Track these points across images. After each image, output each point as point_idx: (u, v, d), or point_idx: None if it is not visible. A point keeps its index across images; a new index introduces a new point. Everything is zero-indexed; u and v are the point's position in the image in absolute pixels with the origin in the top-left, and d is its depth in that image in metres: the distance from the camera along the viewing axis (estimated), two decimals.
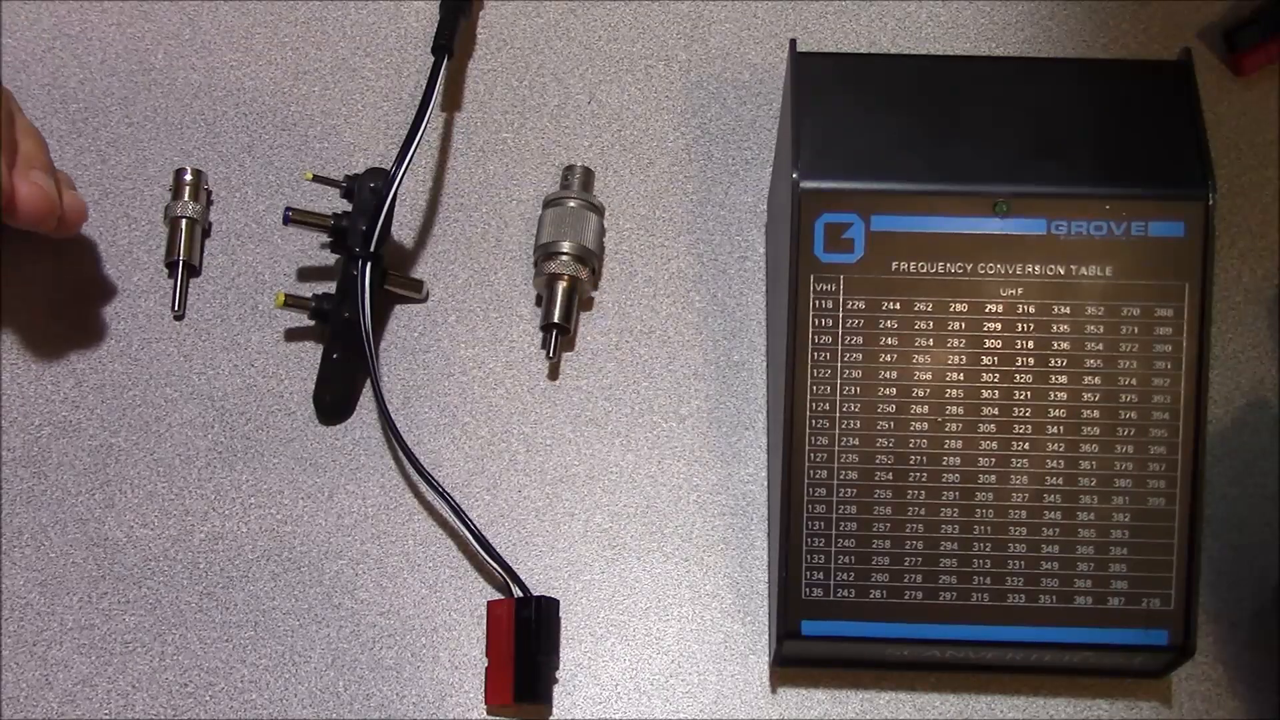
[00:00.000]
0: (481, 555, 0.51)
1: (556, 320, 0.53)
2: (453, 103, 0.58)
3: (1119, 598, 0.46)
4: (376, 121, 0.58)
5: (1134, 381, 0.46)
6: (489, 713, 0.50)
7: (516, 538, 0.52)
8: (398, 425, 0.52)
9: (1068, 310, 0.46)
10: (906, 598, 0.46)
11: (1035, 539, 0.46)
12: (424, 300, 0.55)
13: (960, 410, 0.46)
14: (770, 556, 0.51)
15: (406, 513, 0.52)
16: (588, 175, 0.56)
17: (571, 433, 0.53)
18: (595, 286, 0.55)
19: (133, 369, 0.54)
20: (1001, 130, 0.46)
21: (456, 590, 0.51)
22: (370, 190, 0.53)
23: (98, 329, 0.55)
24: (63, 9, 0.59)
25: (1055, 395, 0.46)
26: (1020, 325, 0.46)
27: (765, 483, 0.52)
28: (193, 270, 0.55)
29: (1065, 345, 0.46)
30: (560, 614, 0.51)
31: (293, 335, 0.55)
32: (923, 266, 0.46)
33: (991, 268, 0.46)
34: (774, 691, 0.50)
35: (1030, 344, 0.46)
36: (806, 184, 0.46)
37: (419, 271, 0.56)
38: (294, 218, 0.53)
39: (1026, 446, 0.46)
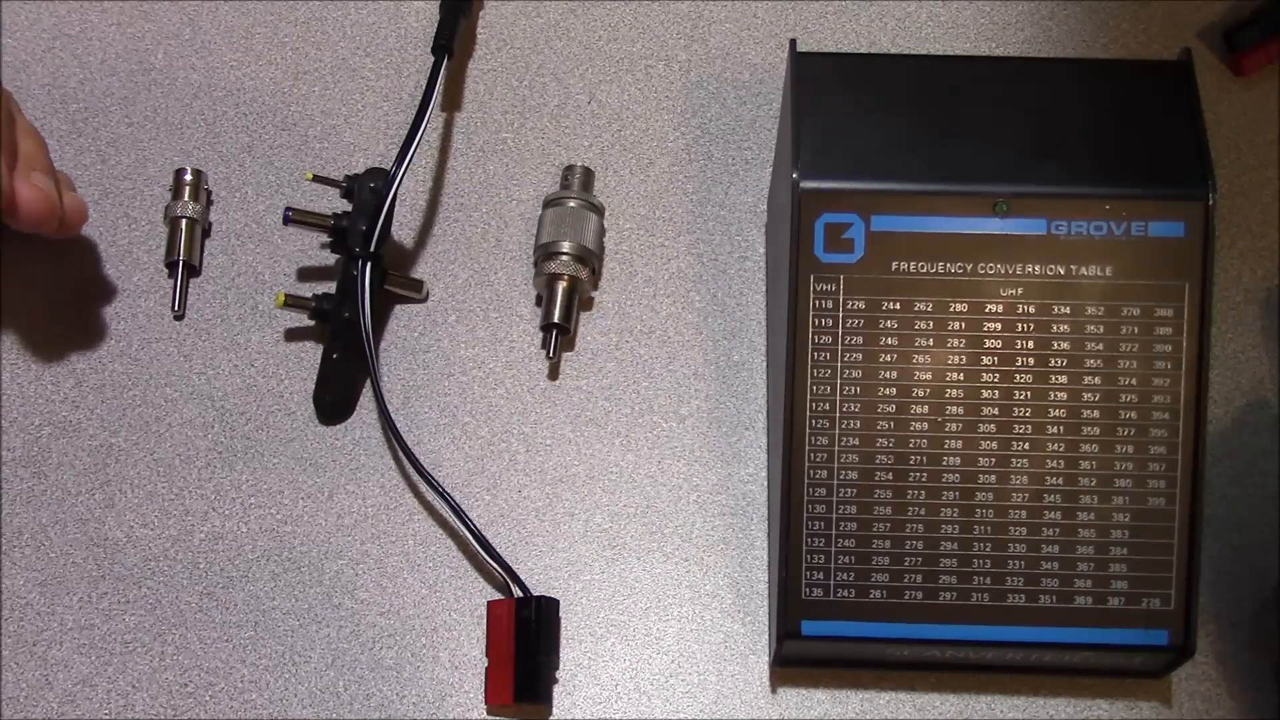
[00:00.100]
0: (481, 555, 0.51)
1: (556, 320, 0.53)
2: (453, 103, 0.58)
3: (1119, 598, 0.46)
4: (376, 121, 0.58)
5: (1134, 381, 0.46)
6: (489, 713, 0.50)
7: (516, 538, 0.52)
8: (398, 425, 0.52)
9: (1068, 310, 0.46)
10: (906, 598, 0.46)
11: (1035, 539, 0.46)
12: (424, 300, 0.55)
13: (960, 410, 0.46)
14: (770, 556, 0.51)
15: (406, 513, 0.52)
16: (588, 175, 0.56)
17: (571, 433, 0.53)
18: (595, 286, 0.55)
19: (133, 369, 0.54)
20: (1001, 130, 0.46)
21: (456, 590, 0.51)
22: (370, 190, 0.53)
23: (98, 329, 0.55)
24: (63, 9, 0.59)
25: (1055, 395, 0.46)
26: (1020, 325, 0.46)
27: (765, 483, 0.52)
28: (193, 270, 0.55)
29: (1065, 345, 0.46)
30: (560, 614, 0.51)
31: (293, 335, 0.55)
32: (923, 266, 0.46)
33: (991, 268, 0.46)
34: (774, 691, 0.50)
35: (1030, 344, 0.46)
36: (806, 184, 0.46)
37: (419, 271, 0.56)
38: (294, 218, 0.53)
39: (1026, 446, 0.46)
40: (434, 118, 0.57)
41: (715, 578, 0.51)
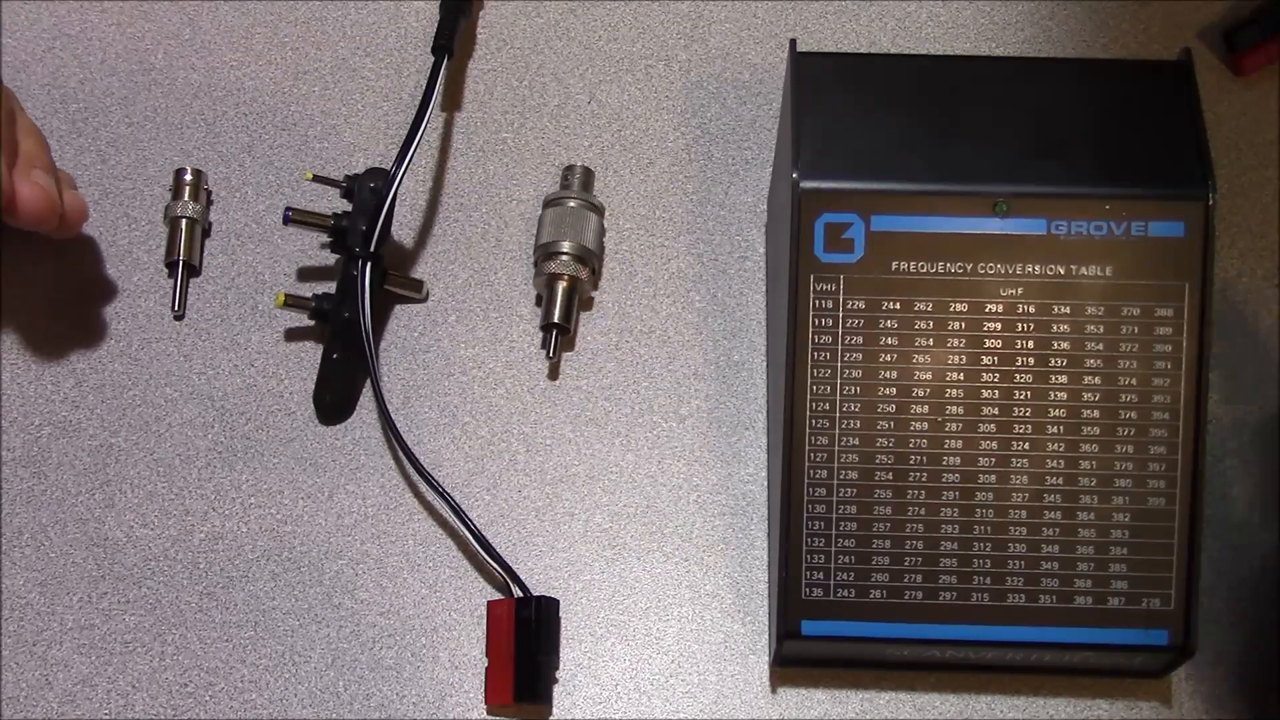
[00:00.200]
0: (481, 555, 0.51)
1: (556, 320, 0.53)
2: (453, 103, 0.58)
3: (1119, 598, 0.46)
4: (376, 121, 0.58)
5: (1134, 381, 0.46)
6: (489, 713, 0.50)
7: (516, 538, 0.52)
8: (398, 425, 0.52)
9: (1068, 310, 0.46)
10: (906, 598, 0.46)
11: (1035, 539, 0.46)
12: (424, 300, 0.55)
13: (960, 410, 0.46)
14: (770, 556, 0.51)
15: (406, 513, 0.52)
16: (588, 175, 0.56)
17: (571, 433, 0.53)
18: (595, 286, 0.55)
19: (133, 369, 0.54)
20: (1001, 130, 0.46)
21: (456, 590, 0.51)
22: (370, 190, 0.53)
23: (98, 329, 0.55)
24: (63, 9, 0.59)
25: (1055, 395, 0.46)
26: (1020, 325, 0.46)
27: (765, 483, 0.52)
28: (193, 270, 0.55)
29: (1065, 345, 0.46)
30: (560, 614, 0.51)
31: (293, 335, 0.55)
32: (923, 266, 0.46)
33: (991, 268, 0.46)
34: (774, 691, 0.50)
35: (1030, 344, 0.46)
36: (806, 184, 0.46)
37: (419, 271, 0.56)
38: (294, 218, 0.53)
39: (1026, 446, 0.46)
40: (434, 118, 0.57)
41: (715, 578, 0.51)
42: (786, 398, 0.46)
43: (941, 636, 0.46)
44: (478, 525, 0.50)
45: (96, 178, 0.57)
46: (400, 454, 0.52)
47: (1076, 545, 0.46)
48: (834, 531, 0.46)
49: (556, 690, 0.50)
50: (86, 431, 0.53)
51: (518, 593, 0.50)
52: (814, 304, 0.46)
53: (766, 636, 0.50)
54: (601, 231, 0.55)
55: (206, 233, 0.56)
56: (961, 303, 0.46)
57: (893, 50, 0.58)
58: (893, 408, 0.46)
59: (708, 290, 0.55)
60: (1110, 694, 0.50)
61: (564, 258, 0.53)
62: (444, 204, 0.57)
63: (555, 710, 0.50)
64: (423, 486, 0.52)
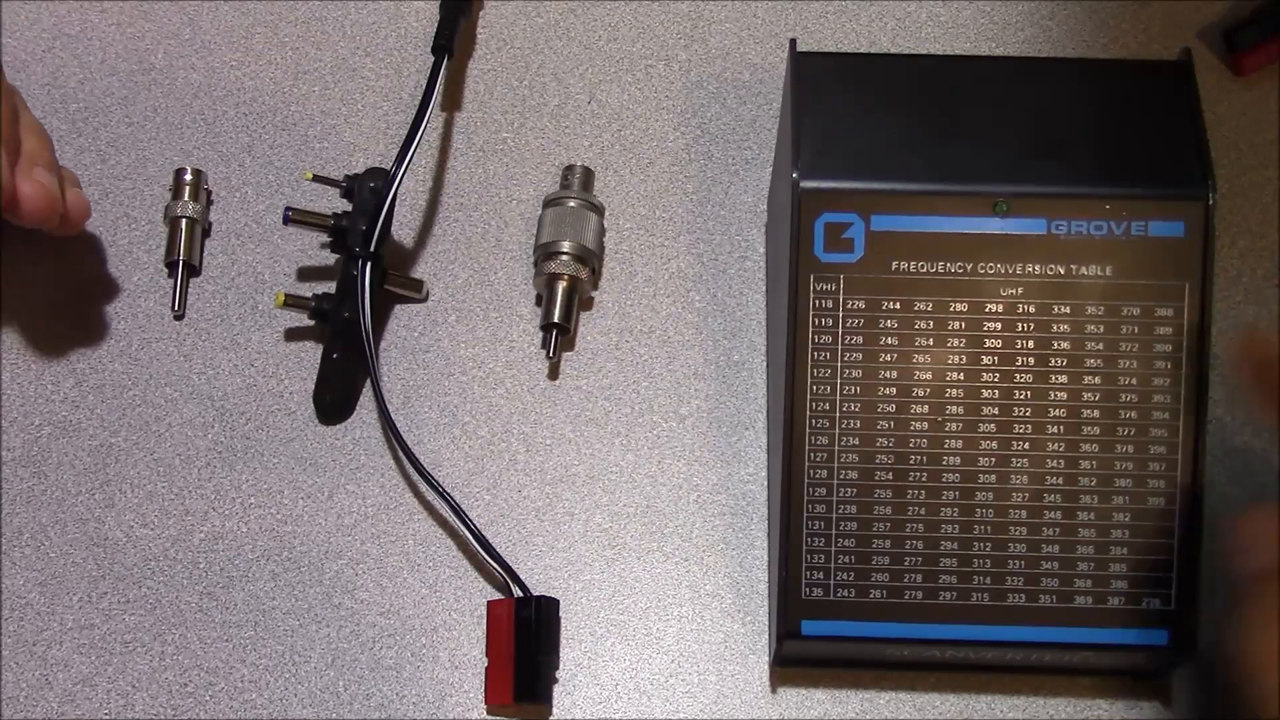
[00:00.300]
0: (481, 555, 0.51)
1: (556, 320, 0.53)
2: (453, 103, 0.58)
3: (1119, 598, 0.46)
4: (376, 121, 0.58)
5: (1134, 381, 0.46)
6: (489, 713, 0.50)
7: (516, 538, 0.52)
8: (398, 425, 0.52)
9: (1068, 310, 0.46)
10: (906, 598, 0.46)
11: (1035, 539, 0.46)
12: (424, 300, 0.55)
13: (960, 410, 0.46)
14: (770, 556, 0.51)
15: (406, 513, 0.52)
16: (588, 175, 0.56)
17: (571, 433, 0.53)
18: (595, 286, 0.55)
19: (133, 369, 0.54)
20: (1001, 130, 0.46)
21: (456, 590, 0.51)
22: (370, 190, 0.53)
23: (98, 329, 0.55)
24: (63, 9, 0.59)
25: (1055, 395, 0.46)
26: (1020, 325, 0.46)
27: (765, 483, 0.52)
28: (193, 270, 0.55)
29: (1065, 345, 0.46)
30: (560, 614, 0.51)
31: (293, 335, 0.55)
32: (923, 266, 0.46)
33: (991, 268, 0.46)
34: (774, 691, 0.50)
35: (1030, 344, 0.46)
36: (806, 184, 0.46)
37: (419, 271, 0.56)
38: (294, 218, 0.53)
39: (1026, 446, 0.46)
40: (434, 118, 0.57)
41: (715, 578, 0.51)
42: (786, 398, 0.46)
43: (941, 636, 0.46)
44: (478, 525, 0.50)
45: (96, 177, 0.57)
46: (400, 454, 0.52)
47: (1076, 545, 0.46)
48: (834, 531, 0.46)
49: (556, 690, 0.50)
50: (86, 431, 0.53)
51: (518, 593, 0.50)
52: (814, 304, 0.46)
53: (766, 636, 0.50)
54: (601, 231, 0.55)
55: (206, 233, 0.56)
56: (961, 303, 0.46)
57: (893, 50, 0.58)
58: (893, 408, 0.46)
59: (708, 290, 0.55)
60: (1110, 694, 0.50)
61: (564, 258, 0.53)
62: (444, 204, 0.57)
63: (555, 710, 0.50)
64: (423, 486, 0.52)
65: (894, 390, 0.46)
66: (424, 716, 0.50)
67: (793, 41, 0.48)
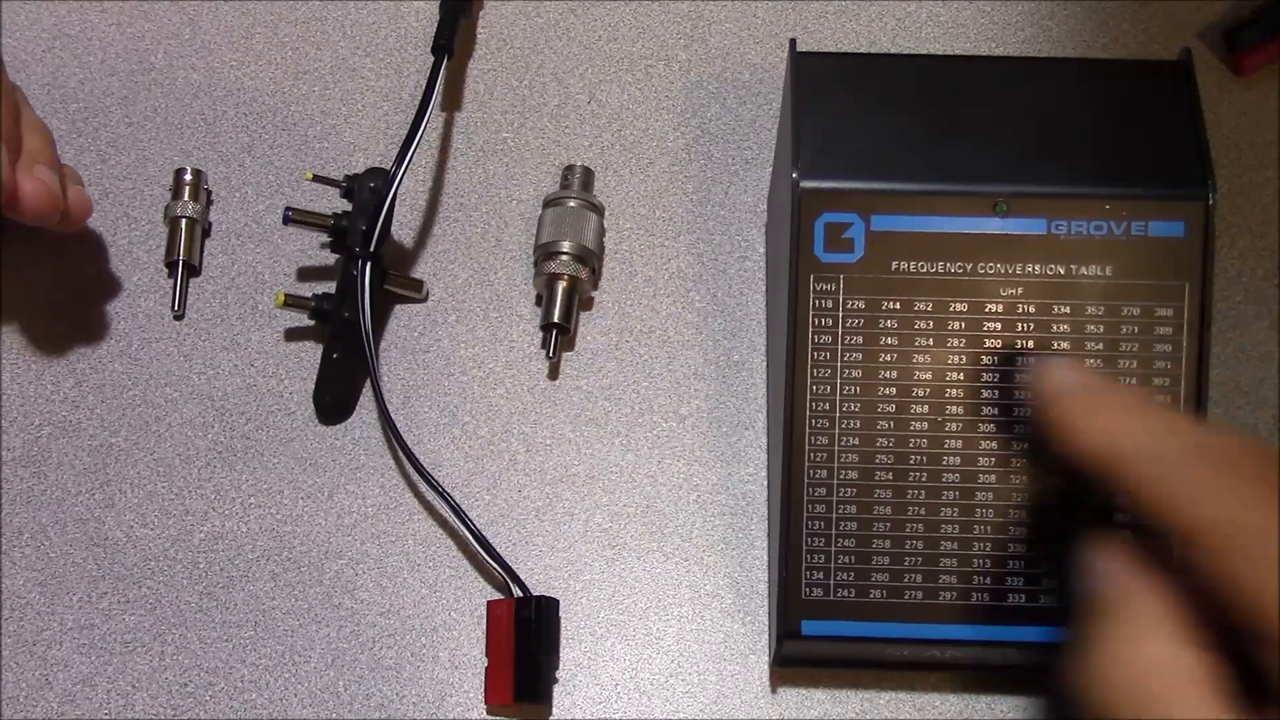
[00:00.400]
0: (481, 555, 0.51)
1: (556, 320, 0.53)
2: (453, 103, 0.58)
3: None
4: (376, 121, 0.58)
5: (1134, 381, 0.46)
6: (489, 713, 0.50)
7: (516, 538, 0.52)
8: (398, 425, 0.52)
9: (1068, 310, 0.46)
10: (906, 598, 0.46)
11: (1035, 539, 0.46)
12: (424, 300, 0.55)
13: (960, 410, 0.46)
14: (770, 556, 0.51)
15: (406, 513, 0.52)
16: (588, 175, 0.56)
17: (571, 433, 0.53)
18: (595, 286, 0.55)
19: (133, 369, 0.54)
20: (1001, 130, 0.46)
21: (456, 590, 0.51)
22: (370, 190, 0.53)
23: (98, 329, 0.55)
24: (63, 9, 0.59)
25: None
26: (1020, 325, 0.46)
27: (765, 483, 0.52)
28: (193, 270, 0.55)
29: (1065, 345, 0.46)
30: (560, 614, 0.51)
31: (293, 335, 0.55)
32: (923, 266, 0.46)
33: (991, 267, 0.46)
34: (774, 691, 0.50)
35: (1030, 344, 0.46)
36: (806, 184, 0.46)
37: (419, 271, 0.56)
38: (294, 218, 0.53)
39: (1027, 446, 0.46)
40: (434, 118, 0.57)
41: (715, 578, 0.51)
42: (786, 398, 0.46)
43: (941, 636, 0.46)
44: (478, 525, 0.50)
45: (96, 177, 0.57)
46: (400, 454, 0.52)
47: None
48: (834, 531, 0.46)
49: (556, 690, 0.50)
50: (86, 431, 0.53)
51: (518, 593, 0.50)
52: (814, 304, 0.46)
53: (766, 636, 0.50)
54: (601, 231, 0.55)
55: (206, 233, 0.56)
56: (961, 302, 0.46)
57: (893, 50, 0.58)
58: (893, 408, 0.46)
59: (708, 290, 0.55)
60: None
61: (564, 258, 0.53)
62: (444, 204, 0.57)
63: (555, 710, 0.50)
64: (423, 486, 0.52)
65: (894, 390, 0.46)
66: (424, 716, 0.50)
67: (793, 41, 0.48)
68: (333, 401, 0.53)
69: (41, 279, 0.55)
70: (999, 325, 0.46)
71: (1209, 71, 0.58)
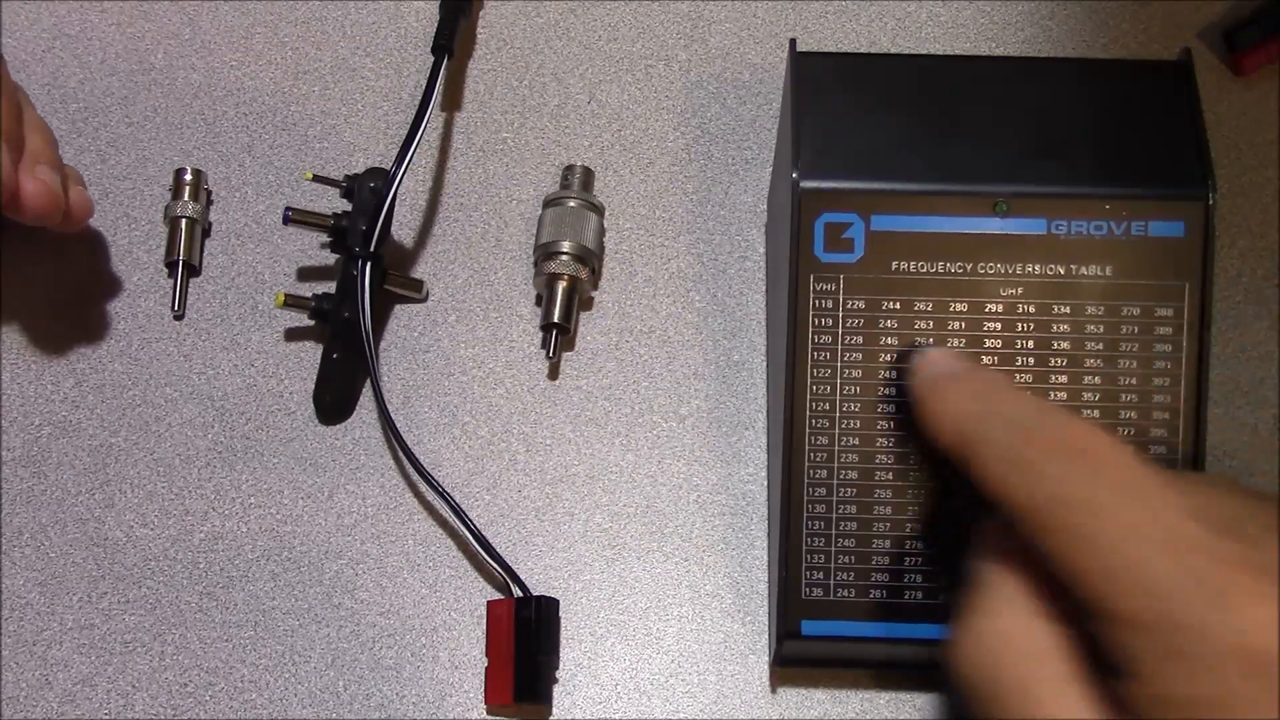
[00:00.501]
0: (481, 555, 0.51)
1: (556, 320, 0.53)
2: (453, 103, 0.58)
3: None
4: (376, 121, 0.58)
5: (1134, 381, 0.46)
6: (489, 713, 0.50)
7: (516, 538, 0.52)
8: (398, 425, 0.52)
9: (1068, 310, 0.46)
10: (906, 598, 0.46)
11: None
12: (424, 300, 0.55)
13: None
14: (770, 556, 0.51)
15: (406, 513, 0.52)
16: (588, 175, 0.56)
17: (571, 433, 0.53)
18: (595, 286, 0.55)
19: (133, 369, 0.54)
20: (1001, 130, 0.46)
21: (456, 590, 0.51)
22: (370, 190, 0.53)
23: (98, 329, 0.55)
24: (63, 9, 0.59)
25: (1055, 395, 0.46)
26: (1020, 325, 0.46)
27: (765, 483, 0.52)
28: (193, 270, 0.55)
29: (1065, 345, 0.46)
30: (560, 614, 0.51)
31: (293, 335, 0.55)
32: (923, 266, 0.46)
33: (991, 267, 0.46)
34: (774, 691, 0.50)
35: (1030, 344, 0.46)
36: (806, 184, 0.46)
37: (419, 271, 0.56)
38: (294, 218, 0.53)
39: None
40: (434, 118, 0.57)
41: (715, 578, 0.51)
42: (786, 398, 0.46)
43: (941, 637, 0.46)
44: (478, 525, 0.50)
45: (96, 178, 0.57)
46: (400, 454, 0.52)
47: None
48: (834, 531, 0.46)
49: (556, 690, 0.50)
50: (86, 431, 0.53)
51: (518, 593, 0.50)
52: (814, 304, 0.46)
53: (766, 636, 0.50)
54: (601, 231, 0.55)
55: (206, 233, 0.56)
56: (961, 302, 0.46)
57: (893, 50, 0.58)
58: (893, 408, 0.46)
59: (708, 290, 0.55)
60: None
61: (564, 258, 0.53)
62: (444, 204, 0.57)
63: (555, 710, 0.50)
64: (423, 486, 0.52)
65: (894, 390, 0.46)
66: (424, 716, 0.50)
67: (793, 41, 0.48)
68: (333, 401, 0.53)
69: (41, 279, 0.55)
70: (999, 325, 0.46)
71: (1209, 71, 0.58)
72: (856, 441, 0.46)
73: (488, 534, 0.51)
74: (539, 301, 0.55)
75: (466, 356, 0.54)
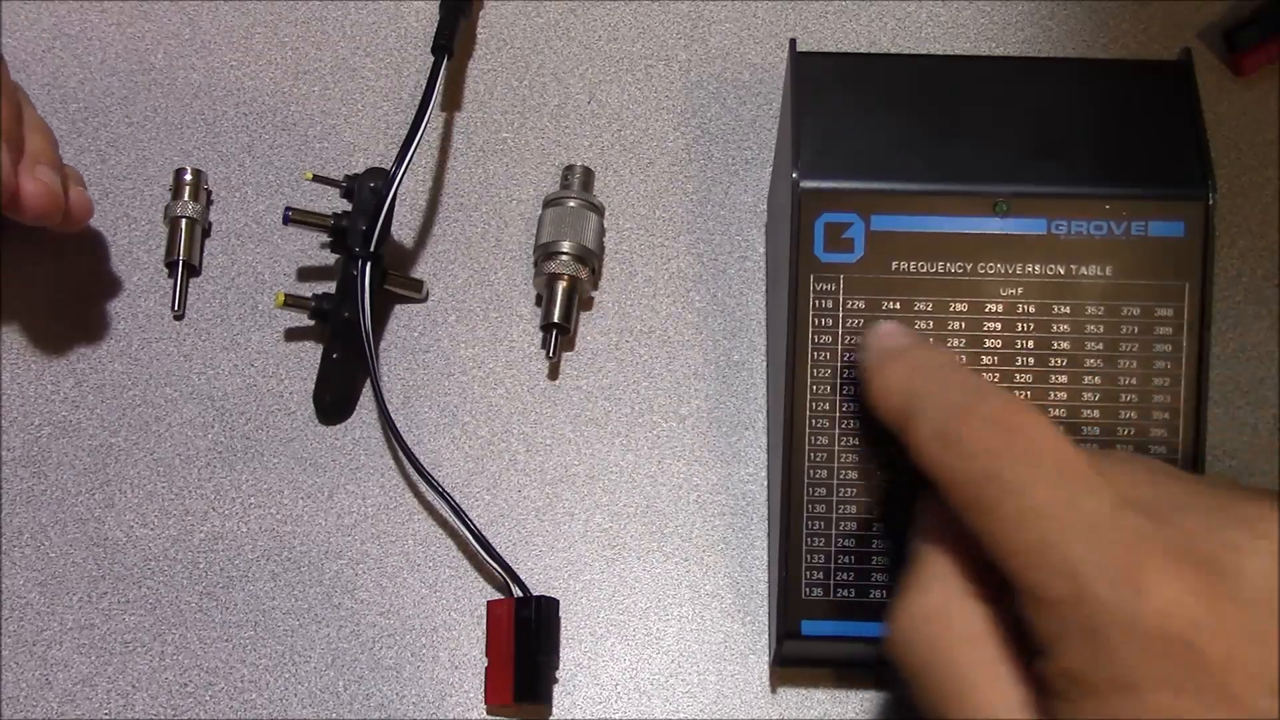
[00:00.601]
0: (481, 555, 0.51)
1: (556, 320, 0.53)
2: (453, 103, 0.58)
3: None
4: (376, 121, 0.58)
5: (1134, 381, 0.46)
6: (489, 713, 0.50)
7: (516, 538, 0.52)
8: (398, 425, 0.52)
9: (1068, 310, 0.46)
10: None
11: None
12: (424, 300, 0.55)
13: None
14: (770, 556, 0.51)
15: (406, 513, 0.52)
16: (588, 175, 0.56)
17: (571, 433, 0.53)
18: (595, 286, 0.55)
19: (133, 369, 0.54)
20: (1001, 130, 0.46)
21: (456, 590, 0.51)
22: (370, 190, 0.53)
23: (98, 329, 0.55)
24: (63, 9, 0.59)
25: (1055, 395, 0.46)
26: (1020, 325, 0.46)
27: (765, 483, 0.52)
28: (193, 270, 0.55)
29: (1065, 345, 0.46)
30: (560, 614, 0.51)
31: (293, 335, 0.55)
32: (923, 266, 0.46)
33: (991, 267, 0.46)
34: (774, 691, 0.50)
35: (1030, 344, 0.46)
36: (806, 184, 0.46)
37: (419, 271, 0.56)
38: (294, 218, 0.53)
39: None
40: (434, 118, 0.57)
41: (715, 578, 0.51)
42: (786, 398, 0.46)
43: None
44: (478, 525, 0.50)
45: (96, 178, 0.57)
46: (400, 454, 0.52)
47: None
48: (834, 531, 0.46)
49: (556, 690, 0.50)
50: (86, 431, 0.53)
51: (518, 593, 0.50)
52: (814, 304, 0.46)
53: (766, 636, 0.50)
54: (601, 231, 0.55)
55: (206, 233, 0.56)
56: (961, 302, 0.46)
57: (893, 50, 0.58)
58: None
59: (708, 290, 0.55)
60: None
61: (564, 258, 0.53)
62: (444, 204, 0.57)
63: (555, 710, 0.50)
64: (423, 486, 0.52)
65: None
66: (424, 716, 0.50)
67: (793, 41, 0.48)
68: (333, 401, 0.53)
69: (41, 279, 0.55)
70: (999, 325, 0.46)
71: (1209, 71, 0.58)
72: (856, 441, 0.46)
73: (488, 534, 0.51)
74: (539, 301, 0.55)
75: (466, 356, 0.54)
